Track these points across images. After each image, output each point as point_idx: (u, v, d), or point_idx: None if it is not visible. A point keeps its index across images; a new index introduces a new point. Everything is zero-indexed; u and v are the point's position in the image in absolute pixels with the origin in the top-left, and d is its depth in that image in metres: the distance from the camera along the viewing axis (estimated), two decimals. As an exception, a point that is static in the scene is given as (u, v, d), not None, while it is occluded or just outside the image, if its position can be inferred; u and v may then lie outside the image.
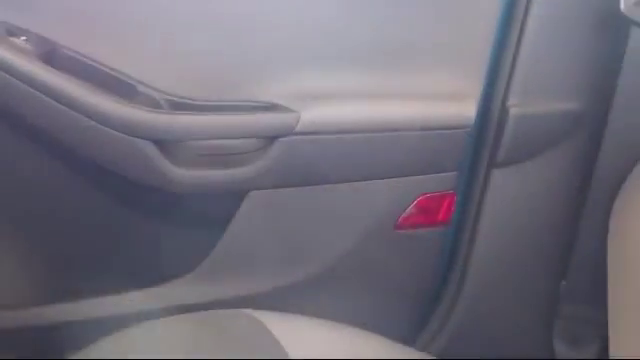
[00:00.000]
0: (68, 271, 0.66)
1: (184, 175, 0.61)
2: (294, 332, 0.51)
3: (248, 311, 0.52)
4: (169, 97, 0.62)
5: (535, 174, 0.62)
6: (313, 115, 0.60)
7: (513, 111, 0.59)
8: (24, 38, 0.62)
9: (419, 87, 0.61)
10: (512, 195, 0.62)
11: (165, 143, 0.61)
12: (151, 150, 0.60)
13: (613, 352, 0.47)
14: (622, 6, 0.52)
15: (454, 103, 0.61)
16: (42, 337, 0.63)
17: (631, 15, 0.52)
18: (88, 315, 0.66)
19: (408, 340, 0.66)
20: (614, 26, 0.55)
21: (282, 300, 0.63)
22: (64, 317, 0.66)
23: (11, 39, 0.61)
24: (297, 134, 0.60)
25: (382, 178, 0.62)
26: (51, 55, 0.62)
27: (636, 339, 0.44)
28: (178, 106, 0.62)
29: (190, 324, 0.54)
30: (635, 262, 0.49)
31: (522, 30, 0.59)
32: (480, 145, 0.62)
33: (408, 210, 0.62)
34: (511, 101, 0.60)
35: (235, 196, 0.63)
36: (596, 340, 0.57)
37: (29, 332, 0.66)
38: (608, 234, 0.52)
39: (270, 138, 0.60)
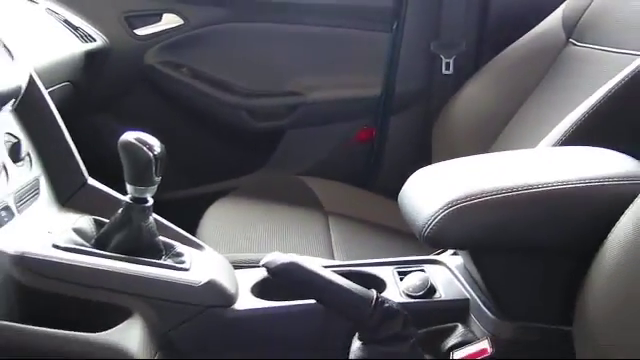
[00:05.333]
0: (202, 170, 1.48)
1: (258, 124, 1.43)
2: (335, 194, 1.32)
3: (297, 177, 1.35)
4: (248, 89, 1.43)
5: (407, 117, 1.45)
6: (313, 95, 1.42)
7: (396, 90, 1.42)
8: (184, 69, 1.42)
9: (355, 81, 1.43)
10: (400, 126, 1.45)
11: (250, 109, 1.42)
12: (244, 113, 1.42)
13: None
14: (431, 47, 1.36)
15: (371, 87, 1.43)
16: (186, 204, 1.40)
17: (434, 51, 1.36)
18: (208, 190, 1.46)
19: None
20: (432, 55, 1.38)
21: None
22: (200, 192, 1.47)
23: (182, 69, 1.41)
24: (306, 104, 1.42)
25: (343, 121, 1.45)
26: (197, 75, 1.41)
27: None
28: (252, 92, 1.43)
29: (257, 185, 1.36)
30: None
31: (396, 56, 1.40)
32: (384, 104, 1.44)
33: (356, 135, 1.46)
34: (396, 87, 1.42)
35: (281, 133, 1.45)
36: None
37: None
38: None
39: (295, 105, 1.42)
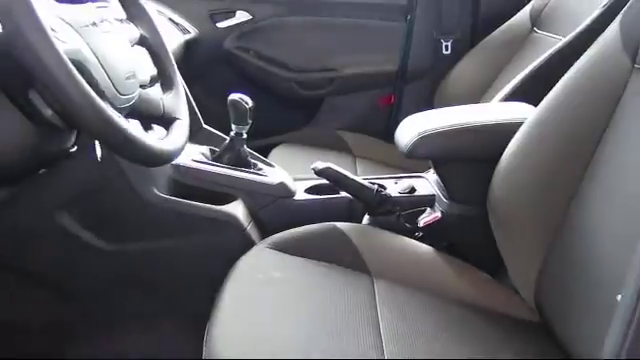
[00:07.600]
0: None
1: (305, 92, 1.93)
2: (362, 144, 1.81)
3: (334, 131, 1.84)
4: (297, 66, 1.92)
5: (417, 86, 1.91)
6: (346, 71, 1.90)
7: (409, 66, 1.89)
8: (251, 52, 1.91)
9: (378, 59, 1.91)
10: (412, 93, 1.92)
11: (298, 82, 1.92)
12: (294, 84, 1.91)
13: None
14: (434, 34, 1.81)
15: (390, 64, 1.91)
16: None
17: (437, 36, 1.81)
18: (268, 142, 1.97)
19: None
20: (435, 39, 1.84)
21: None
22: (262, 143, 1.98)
23: (250, 52, 1.90)
24: (341, 77, 1.90)
25: (369, 90, 1.94)
26: (261, 56, 1.91)
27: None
28: (301, 69, 1.92)
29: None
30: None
31: (409, 41, 1.87)
32: (401, 76, 1.91)
33: (378, 100, 1.93)
34: (408, 64, 1.89)
35: (321, 99, 1.94)
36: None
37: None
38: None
39: (332, 78, 1.91)
